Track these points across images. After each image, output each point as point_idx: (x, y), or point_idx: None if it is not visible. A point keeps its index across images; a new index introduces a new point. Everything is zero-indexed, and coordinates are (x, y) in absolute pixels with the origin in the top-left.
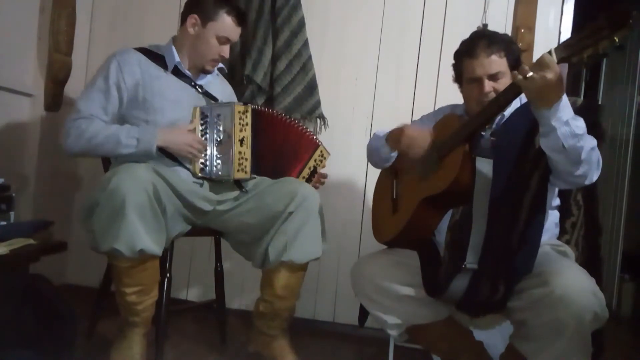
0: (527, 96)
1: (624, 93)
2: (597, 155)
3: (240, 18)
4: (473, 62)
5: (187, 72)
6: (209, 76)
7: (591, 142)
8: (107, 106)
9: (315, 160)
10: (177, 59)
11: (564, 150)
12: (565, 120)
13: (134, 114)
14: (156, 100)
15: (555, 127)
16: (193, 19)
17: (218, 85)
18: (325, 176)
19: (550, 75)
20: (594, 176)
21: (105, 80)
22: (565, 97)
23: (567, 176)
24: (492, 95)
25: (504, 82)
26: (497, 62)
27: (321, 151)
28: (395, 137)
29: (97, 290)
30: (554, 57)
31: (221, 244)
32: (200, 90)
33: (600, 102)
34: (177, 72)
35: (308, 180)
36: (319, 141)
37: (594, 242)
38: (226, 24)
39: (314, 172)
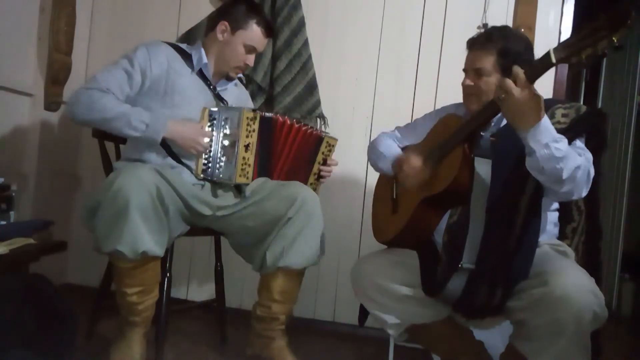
0: (505, 115)
1: (624, 93)
2: (584, 172)
3: (269, 30)
4: (466, 54)
5: (210, 77)
6: (229, 84)
7: (575, 161)
8: (124, 86)
9: (323, 153)
10: (205, 60)
11: (544, 171)
12: (545, 143)
13: (150, 104)
14: (177, 97)
15: (533, 149)
16: (223, 25)
17: (234, 92)
18: (335, 163)
19: (512, 99)
20: (583, 192)
21: (131, 62)
22: (545, 120)
23: (554, 192)
24: (469, 90)
25: (488, 81)
26: (482, 60)
27: (327, 142)
28: (397, 165)
29: (97, 290)
30: (552, 58)
31: (221, 244)
32: (213, 91)
33: (603, 109)
34: (200, 73)
35: (320, 174)
36: (323, 133)
37: (594, 245)
38: (255, 33)
39: (324, 163)
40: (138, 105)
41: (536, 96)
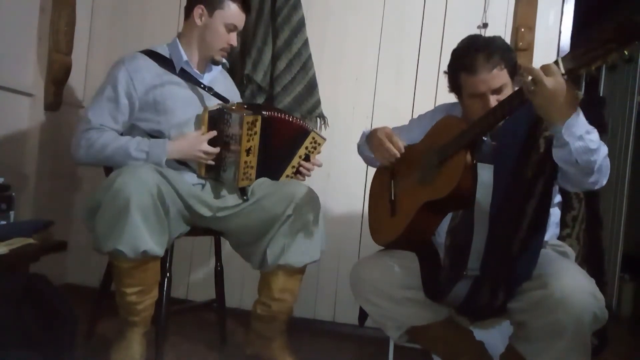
0: (537, 106)
1: (624, 93)
2: (607, 161)
3: (245, 4)
4: (474, 78)
5: (195, 71)
6: (214, 72)
7: (604, 150)
8: (117, 115)
9: (306, 148)
10: (185, 58)
11: (577, 164)
12: (579, 135)
13: (145, 116)
14: (168, 103)
15: (568, 142)
16: (200, 9)
17: (222, 82)
18: (318, 164)
19: (544, 89)
20: (604, 181)
21: (114, 88)
22: (580, 111)
23: (578, 184)
24: None
25: (507, 93)
26: (499, 76)
27: (313, 137)
28: (371, 136)
29: (97, 290)
30: (561, 68)
31: (221, 244)
32: (209, 91)
33: (599, 95)
34: (184, 73)
35: (298, 169)
36: (311, 127)
37: (596, 235)
38: (232, 11)
39: (306, 159)
40: (138, 121)
41: (569, 85)
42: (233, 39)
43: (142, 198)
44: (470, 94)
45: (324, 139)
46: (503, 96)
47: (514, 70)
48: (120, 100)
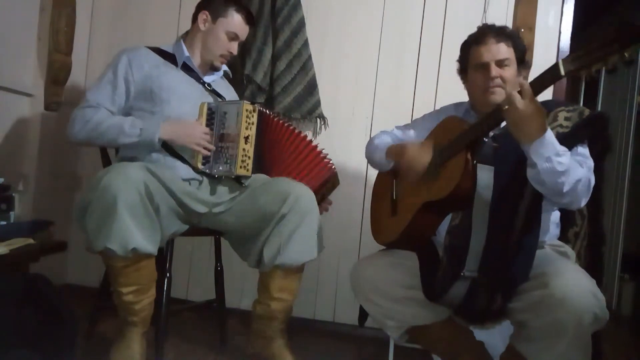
0: (509, 125)
1: (624, 93)
2: (584, 184)
3: (249, 17)
4: (481, 48)
5: (196, 69)
6: (215, 76)
7: (576, 174)
8: (114, 97)
9: (327, 188)
10: (187, 54)
11: (545, 184)
12: (547, 157)
13: (141, 106)
14: (164, 93)
15: (535, 162)
16: (204, 14)
17: (223, 87)
18: (330, 203)
19: (516, 111)
20: (582, 203)
21: (114, 73)
22: (549, 133)
23: (554, 202)
24: (498, 81)
25: (510, 72)
26: (505, 50)
27: (334, 179)
28: (395, 153)
29: (97, 290)
30: (561, 70)
31: (221, 244)
32: (208, 87)
33: (605, 113)
34: (186, 68)
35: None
36: (334, 167)
37: (597, 251)
38: (235, 20)
39: (323, 197)
40: (133, 110)
41: (540, 110)
42: (233, 47)
43: (129, 196)
44: (475, 64)
45: (339, 183)
46: (506, 73)
47: (522, 58)
48: (118, 83)
